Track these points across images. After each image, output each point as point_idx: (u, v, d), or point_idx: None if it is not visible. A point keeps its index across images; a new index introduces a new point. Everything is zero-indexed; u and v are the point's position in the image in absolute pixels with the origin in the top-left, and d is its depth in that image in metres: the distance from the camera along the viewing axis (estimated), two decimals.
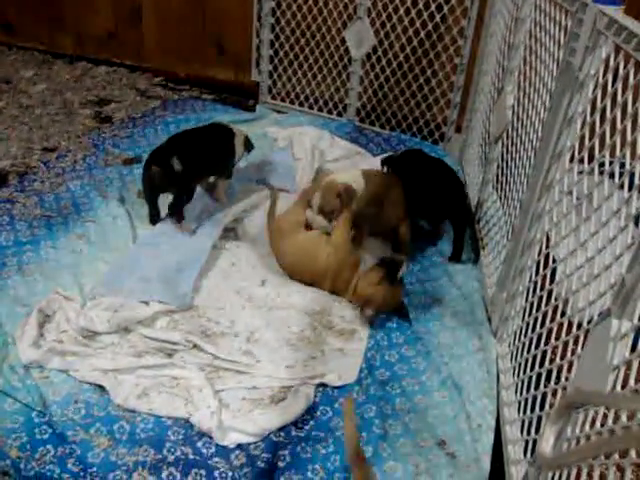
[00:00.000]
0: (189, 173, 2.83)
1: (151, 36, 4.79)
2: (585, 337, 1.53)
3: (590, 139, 1.71)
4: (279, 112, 4.42)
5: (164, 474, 1.80)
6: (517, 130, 2.62)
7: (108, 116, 4.14)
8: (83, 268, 2.60)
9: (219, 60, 4.67)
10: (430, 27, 3.79)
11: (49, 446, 1.84)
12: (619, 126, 1.53)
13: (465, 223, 2.95)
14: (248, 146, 3.19)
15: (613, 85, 1.59)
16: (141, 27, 4.76)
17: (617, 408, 1.26)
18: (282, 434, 1.97)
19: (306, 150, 3.69)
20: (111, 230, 2.87)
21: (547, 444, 1.42)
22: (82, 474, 1.77)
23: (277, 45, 4.31)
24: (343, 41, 4.07)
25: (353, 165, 3.51)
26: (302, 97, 4.43)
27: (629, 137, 1.46)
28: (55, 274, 2.54)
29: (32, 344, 2.14)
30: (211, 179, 3.10)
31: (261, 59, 4.39)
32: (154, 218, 2.93)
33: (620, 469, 1.28)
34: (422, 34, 3.84)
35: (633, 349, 1.29)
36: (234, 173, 3.17)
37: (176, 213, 2.89)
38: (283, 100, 4.50)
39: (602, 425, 1.38)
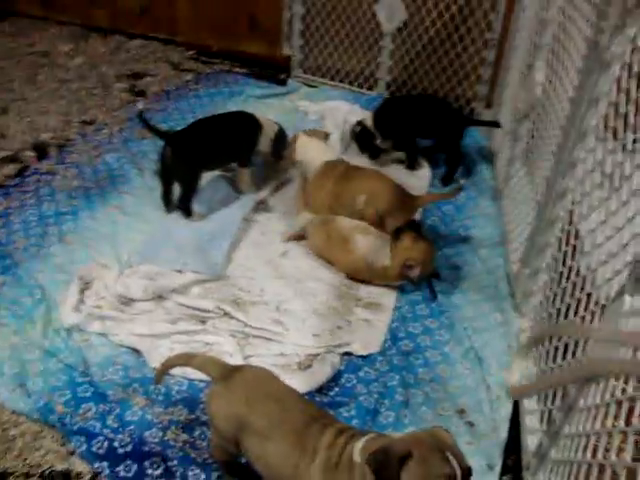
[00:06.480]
0: (194, 160, 2.76)
1: (184, 10, 4.84)
2: (602, 313, 1.58)
3: (614, 119, 1.72)
4: (310, 86, 4.46)
5: (196, 433, 1.92)
6: (545, 107, 2.63)
7: (142, 90, 4.22)
8: (120, 238, 2.72)
9: (251, 34, 4.70)
10: (462, 1, 3.77)
11: (91, 403, 1.98)
12: None
13: (456, 142, 3.42)
14: (280, 140, 3.08)
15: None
16: (175, 1, 4.81)
17: (571, 335, 1.34)
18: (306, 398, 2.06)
19: (337, 124, 3.72)
20: (147, 201, 2.97)
21: (514, 376, 1.48)
22: (121, 430, 1.91)
23: (309, 19, 4.33)
24: (374, 15, 4.07)
25: None
26: (333, 71, 4.45)
27: None
28: (94, 243, 2.67)
29: (73, 309, 2.28)
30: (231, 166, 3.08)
31: (292, 33, 4.41)
32: (166, 204, 2.89)
33: None
34: (453, 8, 3.82)
35: None
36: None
37: (184, 207, 2.84)
38: (314, 74, 4.52)
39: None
